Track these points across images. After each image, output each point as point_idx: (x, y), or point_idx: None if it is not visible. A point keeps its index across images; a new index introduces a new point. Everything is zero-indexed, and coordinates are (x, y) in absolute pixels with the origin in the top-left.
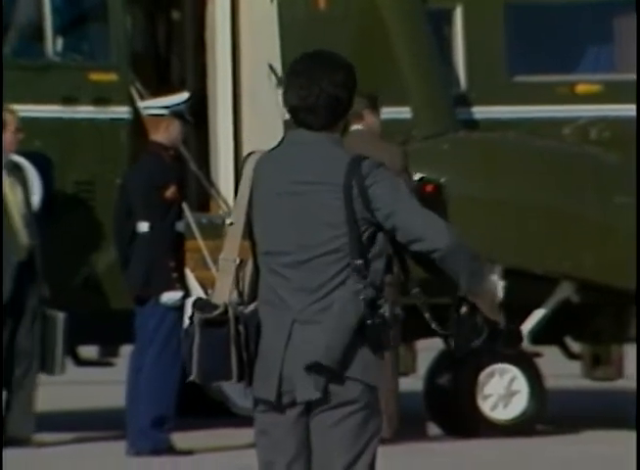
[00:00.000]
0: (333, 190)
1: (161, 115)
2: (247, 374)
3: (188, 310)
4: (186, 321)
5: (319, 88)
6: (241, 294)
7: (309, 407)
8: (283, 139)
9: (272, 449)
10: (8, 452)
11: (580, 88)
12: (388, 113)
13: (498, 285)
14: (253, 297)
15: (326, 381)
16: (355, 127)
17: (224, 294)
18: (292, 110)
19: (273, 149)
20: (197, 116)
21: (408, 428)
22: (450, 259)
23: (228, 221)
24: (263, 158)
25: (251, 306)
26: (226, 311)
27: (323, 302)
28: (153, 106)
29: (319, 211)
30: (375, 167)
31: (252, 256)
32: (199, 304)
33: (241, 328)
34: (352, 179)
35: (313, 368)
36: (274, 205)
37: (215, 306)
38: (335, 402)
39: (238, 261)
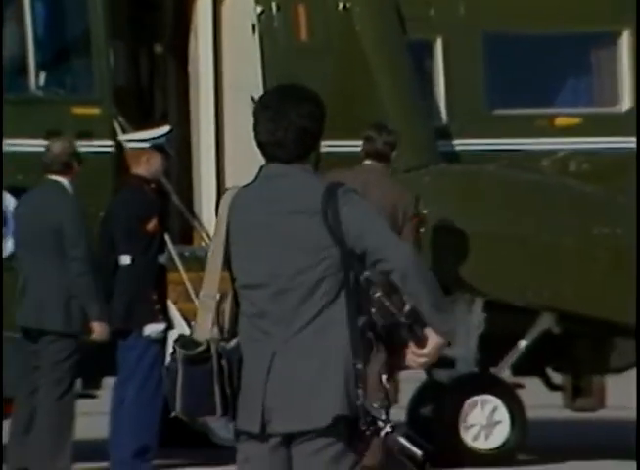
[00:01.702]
0: (310, 218)
1: (142, 148)
2: (230, 408)
3: (170, 347)
4: (168, 358)
5: (287, 121)
6: (221, 329)
7: (291, 437)
8: (258, 174)
9: None
10: None
11: (559, 121)
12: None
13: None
14: (234, 331)
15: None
16: (370, 162)
17: (206, 330)
18: (261, 145)
19: (248, 184)
20: (179, 148)
21: (391, 458)
22: (411, 283)
23: (210, 252)
24: (239, 193)
25: (233, 341)
26: (208, 348)
27: (304, 332)
28: (133, 139)
29: (295, 240)
30: (348, 192)
31: (232, 290)
32: (181, 341)
33: (224, 363)
34: (329, 205)
35: (339, 420)
36: (250, 238)
37: (197, 343)
38: (316, 433)
39: (218, 297)
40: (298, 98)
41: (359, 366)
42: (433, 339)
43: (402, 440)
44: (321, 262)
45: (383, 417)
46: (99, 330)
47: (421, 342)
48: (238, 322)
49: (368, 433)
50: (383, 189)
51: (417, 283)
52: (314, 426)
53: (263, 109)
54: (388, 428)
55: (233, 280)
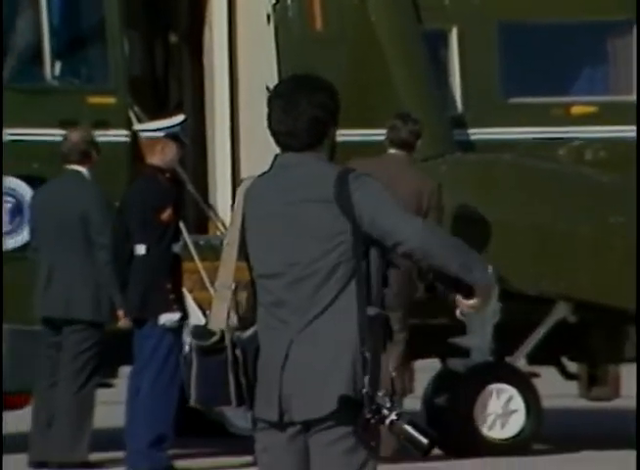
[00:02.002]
0: (323, 205)
1: (157, 137)
2: (247, 398)
3: (186, 337)
4: (185, 348)
5: (298, 110)
6: (240, 318)
7: (309, 426)
8: (272, 163)
9: (273, 468)
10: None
11: (575, 110)
12: (385, 135)
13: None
14: (252, 320)
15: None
16: (395, 151)
17: (221, 320)
18: (274, 134)
19: (263, 174)
20: (194, 137)
21: (407, 447)
22: (434, 255)
23: (225, 242)
24: (254, 183)
25: (250, 330)
26: (223, 339)
27: (319, 320)
28: (148, 129)
29: (309, 229)
30: (360, 177)
31: (250, 279)
32: (196, 331)
33: (238, 353)
34: (341, 191)
35: (344, 403)
36: (266, 228)
37: (212, 334)
38: (331, 423)
39: (234, 287)
40: (311, 87)
41: (367, 354)
42: (477, 286)
43: (407, 427)
44: (335, 249)
45: (387, 405)
46: (125, 317)
47: (467, 292)
48: (256, 311)
49: (373, 421)
50: (407, 178)
51: (438, 254)
52: (324, 413)
53: (276, 98)
54: (393, 416)
55: (250, 270)
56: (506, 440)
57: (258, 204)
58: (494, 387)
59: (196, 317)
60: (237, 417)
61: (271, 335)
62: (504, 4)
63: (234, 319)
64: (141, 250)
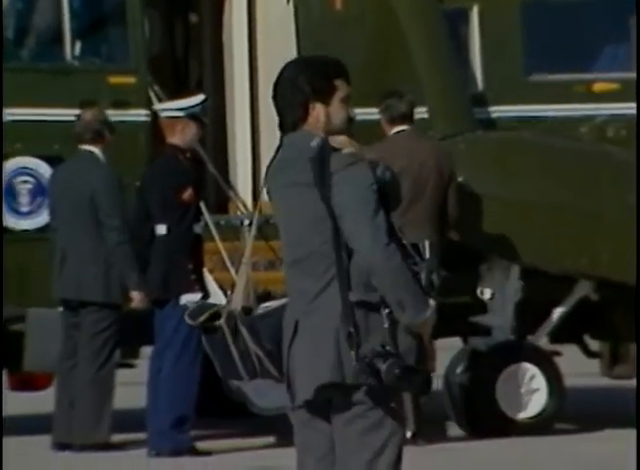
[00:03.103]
0: (307, 189)
1: (178, 117)
2: (273, 369)
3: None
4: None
5: (281, 93)
6: (258, 296)
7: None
8: (279, 143)
9: (302, 449)
10: (21, 453)
11: (597, 87)
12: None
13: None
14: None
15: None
16: (403, 128)
17: (237, 297)
18: (277, 112)
19: (275, 155)
20: (214, 117)
21: (428, 427)
22: (376, 280)
23: (246, 222)
24: (270, 164)
25: (269, 304)
26: (218, 316)
27: (314, 304)
28: (168, 108)
29: (301, 210)
30: (347, 167)
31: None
32: (191, 310)
33: (242, 330)
34: (324, 177)
35: (323, 390)
36: (277, 207)
37: (204, 312)
38: (343, 403)
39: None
40: (291, 69)
41: (351, 329)
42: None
43: (399, 371)
44: (322, 233)
45: (381, 361)
46: (138, 298)
47: None
48: None
49: (373, 384)
50: (426, 151)
51: (381, 278)
52: (310, 396)
53: (277, 78)
54: (384, 366)
55: None
56: (528, 419)
57: (270, 184)
58: (516, 366)
59: (217, 298)
60: (258, 397)
61: (287, 311)
62: None
63: (251, 296)
64: (162, 230)
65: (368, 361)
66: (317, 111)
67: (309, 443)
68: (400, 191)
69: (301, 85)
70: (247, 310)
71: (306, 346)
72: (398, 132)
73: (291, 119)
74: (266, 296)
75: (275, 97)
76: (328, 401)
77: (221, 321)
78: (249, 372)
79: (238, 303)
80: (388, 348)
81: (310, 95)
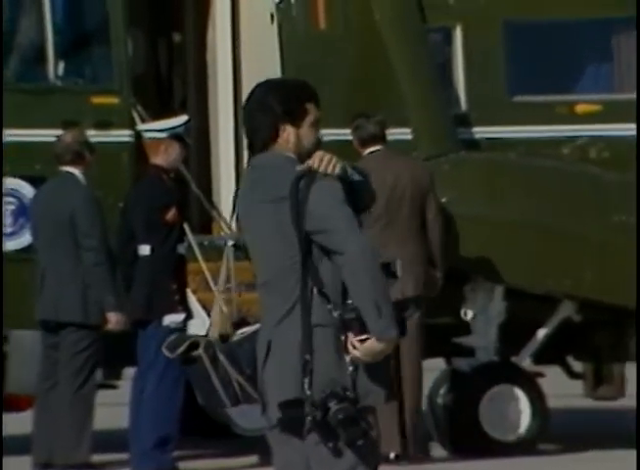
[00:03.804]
0: (277, 207)
1: (161, 137)
2: (254, 393)
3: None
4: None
5: (250, 114)
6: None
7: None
8: (248, 163)
9: (280, 468)
10: None
11: (580, 108)
12: (389, 134)
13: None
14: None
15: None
16: (376, 148)
17: (215, 324)
18: (246, 135)
19: (245, 174)
20: (198, 137)
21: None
22: (358, 280)
23: (230, 243)
24: (241, 184)
25: (246, 329)
26: (196, 346)
27: (281, 325)
28: (152, 129)
29: (273, 225)
30: (316, 181)
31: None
32: (169, 343)
33: (221, 357)
34: (295, 194)
35: (286, 406)
36: (246, 228)
37: (182, 343)
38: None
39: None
40: (261, 90)
41: (307, 357)
42: (371, 341)
43: (341, 417)
44: (288, 251)
45: (334, 401)
46: (114, 320)
47: (366, 337)
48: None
49: (318, 418)
50: (399, 170)
51: (366, 282)
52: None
53: (248, 99)
54: (334, 408)
55: None
56: (511, 440)
57: (240, 204)
58: (499, 387)
59: (200, 318)
60: (241, 418)
61: (260, 333)
62: (509, 2)
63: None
64: (145, 250)
65: (323, 397)
66: (287, 132)
67: (287, 461)
68: (372, 187)
69: (273, 106)
70: (224, 338)
71: (276, 366)
72: (372, 153)
73: (261, 140)
74: (241, 322)
75: (245, 118)
76: (297, 420)
77: (200, 351)
78: (231, 399)
79: (215, 331)
80: (348, 393)
81: (281, 116)
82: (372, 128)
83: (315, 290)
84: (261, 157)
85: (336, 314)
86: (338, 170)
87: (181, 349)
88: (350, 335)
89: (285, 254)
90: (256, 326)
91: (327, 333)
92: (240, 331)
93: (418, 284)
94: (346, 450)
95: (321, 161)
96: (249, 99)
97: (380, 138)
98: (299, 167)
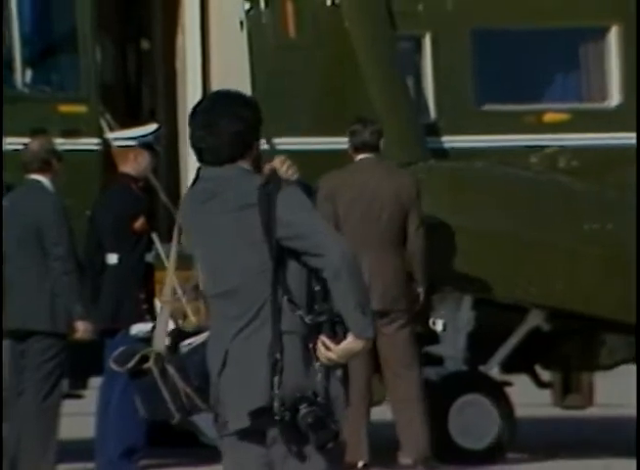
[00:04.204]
0: (243, 214)
1: (130, 146)
2: (202, 405)
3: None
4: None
5: (219, 127)
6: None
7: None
8: (196, 177)
9: None
10: None
11: (548, 117)
12: (348, 142)
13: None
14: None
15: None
16: (366, 156)
17: (159, 337)
18: (196, 151)
19: (192, 186)
20: (167, 145)
21: (379, 457)
22: (343, 281)
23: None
24: (186, 196)
25: (193, 340)
26: (146, 359)
27: (245, 331)
28: (121, 137)
29: (235, 239)
30: (285, 188)
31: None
32: (116, 357)
33: (170, 370)
34: (264, 201)
35: (258, 414)
36: (197, 240)
37: (133, 356)
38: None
39: (164, 301)
40: (231, 103)
41: (277, 355)
42: (349, 341)
43: (311, 420)
44: (261, 253)
45: (305, 404)
46: (82, 329)
47: (337, 339)
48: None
49: (286, 420)
50: (383, 180)
51: (349, 281)
52: (245, 424)
53: (196, 115)
54: (304, 411)
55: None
56: (480, 449)
57: (187, 216)
58: (468, 396)
59: (168, 327)
60: (208, 427)
61: (213, 343)
62: (478, 10)
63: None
64: (113, 259)
65: (294, 399)
66: (255, 149)
67: (240, 466)
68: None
69: (249, 121)
70: (171, 349)
71: (239, 373)
72: (361, 160)
73: (229, 154)
74: (180, 333)
75: (205, 127)
76: (266, 426)
77: (150, 364)
78: (179, 410)
79: (161, 343)
80: (319, 398)
81: (254, 132)
82: (367, 136)
83: (285, 297)
84: (214, 169)
85: (307, 319)
86: (296, 175)
87: (132, 363)
88: (323, 337)
89: (254, 261)
90: (204, 336)
91: (294, 340)
92: (187, 342)
93: (384, 299)
94: (315, 455)
95: (283, 164)
96: (209, 107)
97: (373, 147)
98: (265, 171)
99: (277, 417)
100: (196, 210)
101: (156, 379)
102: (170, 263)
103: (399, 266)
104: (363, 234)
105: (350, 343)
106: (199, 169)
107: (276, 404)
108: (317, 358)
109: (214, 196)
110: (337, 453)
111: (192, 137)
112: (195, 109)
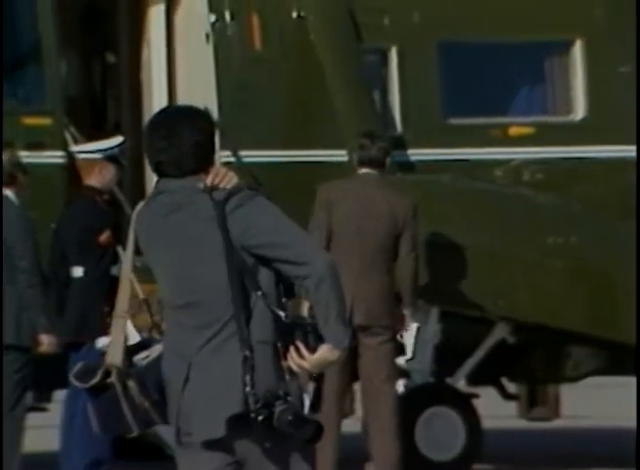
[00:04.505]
0: (206, 226)
1: (95, 159)
2: (158, 419)
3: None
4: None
5: (181, 139)
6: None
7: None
8: (155, 190)
9: None
10: None
11: (513, 131)
12: (324, 156)
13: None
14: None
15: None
16: (369, 171)
17: (115, 351)
18: (155, 164)
19: (148, 198)
20: (132, 158)
21: (347, 469)
22: (325, 290)
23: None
24: (144, 209)
25: (151, 352)
26: (108, 374)
27: (215, 341)
28: (86, 150)
29: (199, 250)
30: (253, 198)
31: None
32: (77, 373)
33: (131, 384)
34: (225, 211)
35: (230, 423)
36: (157, 252)
37: (94, 371)
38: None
39: (128, 316)
40: (189, 115)
41: (247, 353)
42: (324, 350)
43: (292, 418)
44: (220, 269)
45: (279, 403)
46: (47, 342)
47: (311, 349)
48: None
49: (260, 418)
50: (379, 197)
51: (330, 291)
52: (220, 433)
53: (155, 128)
54: (278, 409)
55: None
56: (447, 461)
57: (144, 230)
58: (435, 408)
59: (134, 341)
60: (172, 438)
61: (173, 356)
62: (444, 23)
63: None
64: (78, 272)
65: (266, 399)
66: (213, 162)
67: None
68: None
69: (212, 136)
70: (126, 363)
71: (209, 384)
72: (364, 174)
73: (191, 167)
74: (135, 346)
75: (165, 137)
76: (235, 436)
77: (113, 379)
78: (139, 424)
79: (118, 357)
80: (289, 398)
81: (213, 144)
82: (374, 153)
83: (261, 304)
84: (175, 181)
85: (285, 317)
86: (234, 182)
87: (96, 379)
88: (299, 343)
89: (221, 271)
90: (159, 349)
91: (266, 348)
92: (142, 355)
93: (368, 314)
94: (295, 455)
95: (217, 175)
96: (168, 120)
97: (378, 163)
98: (201, 185)
99: (253, 415)
100: (157, 222)
101: (117, 394)
102: (123, 278)
103: (387, 283)
104: (355, 248)
105: (326, 352)
106: (158, 182)
107: (251, 400)
108: (288, 367)
109: (180, 208)
110: (314, 454)
111: (150, 150)
112: (152, 123)
